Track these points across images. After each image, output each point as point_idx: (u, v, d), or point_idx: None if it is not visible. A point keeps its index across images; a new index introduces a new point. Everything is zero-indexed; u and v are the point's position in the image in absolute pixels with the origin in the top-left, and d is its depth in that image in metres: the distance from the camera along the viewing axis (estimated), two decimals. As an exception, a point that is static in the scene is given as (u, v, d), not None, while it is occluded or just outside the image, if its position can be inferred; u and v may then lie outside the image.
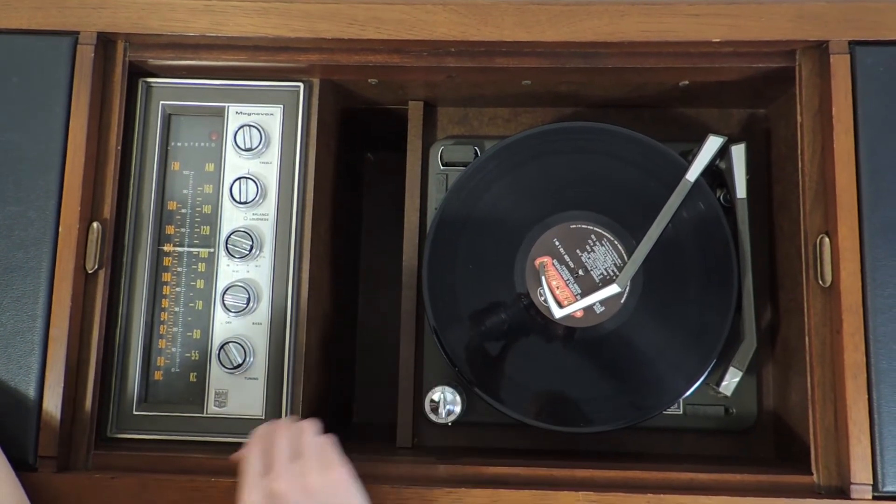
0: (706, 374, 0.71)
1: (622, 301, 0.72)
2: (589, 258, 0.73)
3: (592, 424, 0.71)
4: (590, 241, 0.73)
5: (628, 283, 0.72)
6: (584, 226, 0.73)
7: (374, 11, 0.67)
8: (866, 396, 0.61)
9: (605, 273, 0.73)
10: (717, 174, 0.75)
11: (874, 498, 0.61)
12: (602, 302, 0.72)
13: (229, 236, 0.70)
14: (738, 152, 0.73)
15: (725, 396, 0.72)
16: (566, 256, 0.73)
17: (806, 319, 0.65)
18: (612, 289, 0.72)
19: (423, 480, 0.63)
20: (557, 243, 0.73)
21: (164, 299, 0.72)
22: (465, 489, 0.61)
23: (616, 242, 0.73)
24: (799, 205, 0.67)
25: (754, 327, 0.71)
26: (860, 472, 0.61)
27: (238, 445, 0.68)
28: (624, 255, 0.72)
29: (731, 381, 0.71)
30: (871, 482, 0.60)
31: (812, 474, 0.63)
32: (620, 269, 0.72)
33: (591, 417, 0.71)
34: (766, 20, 0.66)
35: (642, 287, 0.72)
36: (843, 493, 0.61)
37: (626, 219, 0.73)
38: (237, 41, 0.69)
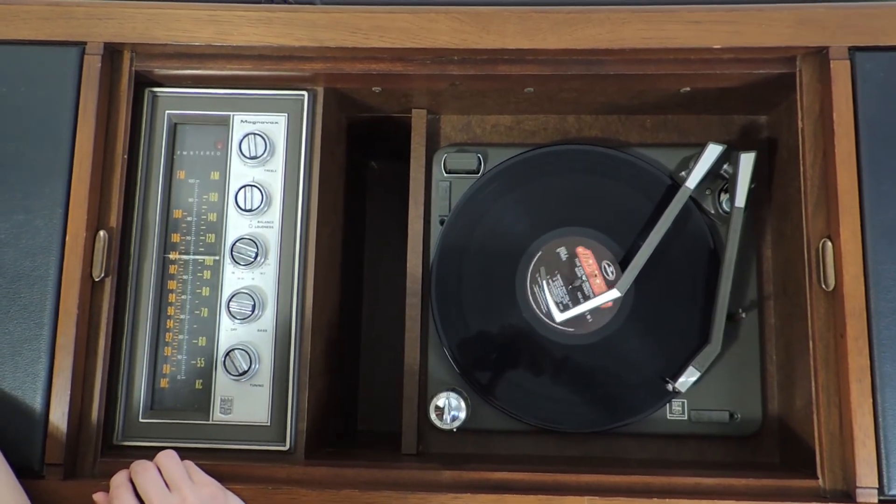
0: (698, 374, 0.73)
1: (615, 309, 0.75)
2: (586, 268, 0.75)
3: (592, 425, 0.75)
4: (586, 253, 0.75)
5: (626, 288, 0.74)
6: (579, 238, 0.76)
7: (377, 20, 0.68)
8: (871, 400, 0.61)
9: (605, 280, 0.75)
10: (723, 180, 0.76)
11: (880, 502, 0.61)
12: (594, 310, 0.75)
13: (234, 244, 0.71)
14: (747, 160, 0.73)
15: (679, 392, 0.73)
16: (565, 266, 0.75)
17: (810, 324, 0.65)
18: (613, 293, 0.73)
19: (429, 486, 0.63)
20: (556, 254, 0.75)
21: (169, 307, 0.72)
22: (470, 494, 0.62)
23: (611, 253, 0.75)
24: (801, 209, 0.67)
25: (721, 332, 0.72)
26: (866, 475, 0.61)
27: (244, 453, 0.68)
28: (618, 264, 0.75)
29: (687, 379, 0.72)
30: (877, 486, 0.60)
31: (817, 478, 0.63)
32: (618, 277, 0.74)
33: (591, 418, 0.74)
34: (767, 26, 0.67)
35: (633, 295, 0.75)
36: (849, 496, 0.61)
37: (620, 231, 0.76)
38: (242, 50, 0.70)
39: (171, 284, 0.72)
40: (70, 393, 0.64)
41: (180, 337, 0.72)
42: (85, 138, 0.67)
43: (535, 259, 0.76)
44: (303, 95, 0.74)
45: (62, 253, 0.65)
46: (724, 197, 0.76)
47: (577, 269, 0.75)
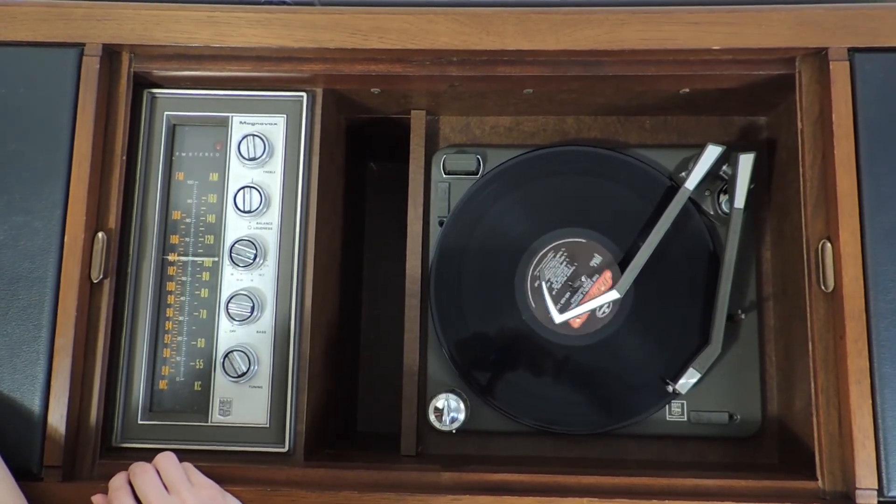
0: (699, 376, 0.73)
1: (616, 308, 0.75)
2: (585, 269, 0.75)
3: (592, 427, 0.75)
4: (584, 254, 0.75)
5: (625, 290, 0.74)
6: (578, 240, 0.76)
7: (377, 21, 0.68)
8: (870, 401, 0.61)
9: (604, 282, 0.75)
10: (722, 181, 0.76)
11: (880, 503, 0.60)
12: (597, 310, 0.75)
13: (233, 245, 0.71)
14: (746, 161, 0.73)
15: (679, 393, 0.73)
16: (565, 268, 0.75)
17: (809, 325, 0.65)
18: (612, 294, 0.73)
19: (428, 488, 0.63)
20: (555, 255, 0.75)
21: (168, 308, 0.72)
22: (469, 496, 0.61)
23: (610, 253, 0.75)
24: (800, 210, 0.67)
25: (721, 334, 0.72)
26: (865, 477, 0.61)
27: (243, 454, 0.68)
28: (617, 265, 0.75)
29: (687, 381, 0.73)
30: (877, 487, 0.60)
31: (817, 480, 0.63)
32: (617, 278, 0.74)
33: (590, 420, 0.74)
34: (766, 28, 0.67)
35: (632, 296, 0.75)
36: (849, 498, 0.61)
37: (620, 232, 0.76)
38: (241, 52, 0.70)
39: (170, 286, 0.72)
40: (69, 395, 0.64)
41: (179, 338, 0.72)
42: (83, 140, 0.67)
43: (538, 256, 0.76)
44: (302, 97, 0.73)
45: (61, 254, 0.65)
46: (724, 198, 0.76)
47: (585, 279, 0.74)
